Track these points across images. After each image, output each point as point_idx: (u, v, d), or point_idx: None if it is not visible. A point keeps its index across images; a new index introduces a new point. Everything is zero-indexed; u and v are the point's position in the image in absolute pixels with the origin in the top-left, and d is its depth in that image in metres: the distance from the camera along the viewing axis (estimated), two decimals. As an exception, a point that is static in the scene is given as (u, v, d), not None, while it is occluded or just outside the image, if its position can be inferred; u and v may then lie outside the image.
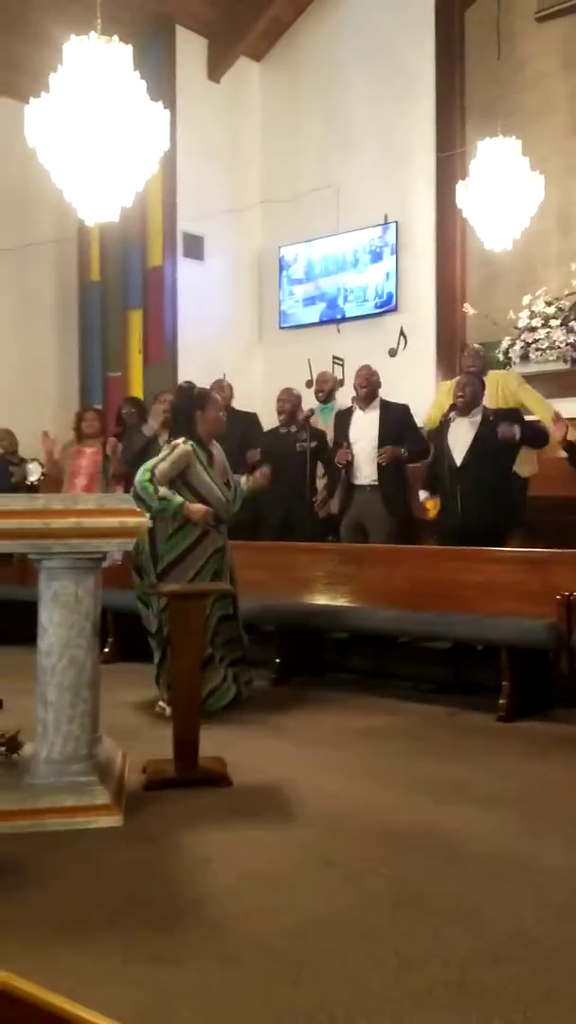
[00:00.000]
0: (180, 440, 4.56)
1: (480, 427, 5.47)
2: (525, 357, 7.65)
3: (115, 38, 5.09)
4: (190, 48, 8.82)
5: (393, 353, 8.34)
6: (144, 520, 3.34)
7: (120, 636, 5.94)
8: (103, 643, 5.99)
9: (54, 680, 3.16)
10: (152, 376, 8.61)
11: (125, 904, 2.41)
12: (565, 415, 5.44)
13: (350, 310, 8.78)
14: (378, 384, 6.33)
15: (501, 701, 4.42)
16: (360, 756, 3.85)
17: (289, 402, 6.77)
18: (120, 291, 8.97)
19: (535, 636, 4.37)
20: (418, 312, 8.39)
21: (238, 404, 7.07)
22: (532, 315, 7.68)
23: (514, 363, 7.62)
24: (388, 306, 8.54)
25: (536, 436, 5.64)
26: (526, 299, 7.74)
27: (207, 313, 8.90)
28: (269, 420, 7.05)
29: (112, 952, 2.15)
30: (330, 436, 6.64)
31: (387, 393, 6.41)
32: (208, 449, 4.67)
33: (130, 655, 5.70)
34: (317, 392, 7.37)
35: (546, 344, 7.56)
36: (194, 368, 8.23)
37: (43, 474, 7.50)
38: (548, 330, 7.57)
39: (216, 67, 9.02)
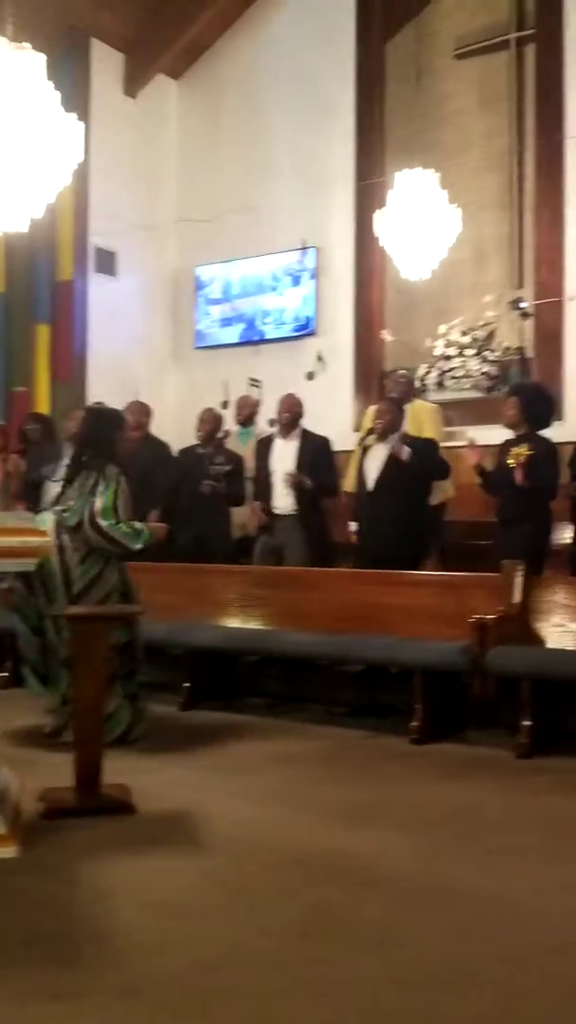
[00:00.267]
0: (114, 469, 4.38)
1: (392, 455, 5.51)
2: (441, 385, 7.76)
3: (27, 45, 4.99)
4: (106, 62, 8.74)
5: (311, 377, 8.36)
6: (49, 540, 3.22)
7: (19, 660, 5.70)
8: (0, 667, 5.80)
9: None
10: (60, 393, 8.43)
11: (21, 939, 2.27)
12: (479, 442, 5.50)
13: (269, 332, 8.78)
14: (301, 414, 6.33)
15: (414, 724, 4.39)
16: (272, 782, 3.76)
17: (210, 422, 6.71)
18: (26, 304, 8.73)
19: (448, 658, 4.36)
20: (337, 337, 8.44)
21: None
22: (448, 344, 7.81)
23: (430, 390, 7.73)
24: (306, 330, 8.57)
25: (438, 468, 5.67)
26: (442, 328, 7.86)
27: (119, 330, 8.77)
28: (182, 439, 6.96)
29: (7, 990, 2.02)
30: (250, 462, 6.57)
31: (305, 417, 6.40)
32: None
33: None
34: (237, 415, 7.31)
35: (461, 372, 7.69)
36: (105, 386, 8.08)
37: None
38: (463, 359, 7.71)
39: (133, 83, 8.95)
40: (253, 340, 8.86)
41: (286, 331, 8.68)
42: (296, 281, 8.61)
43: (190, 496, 6.40)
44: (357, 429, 6.30)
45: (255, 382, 7.61)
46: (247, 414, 7.31)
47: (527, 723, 4.14)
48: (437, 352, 7.84)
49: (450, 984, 2.05)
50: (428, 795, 3.60)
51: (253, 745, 4.37)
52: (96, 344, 8.53)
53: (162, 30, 8.80)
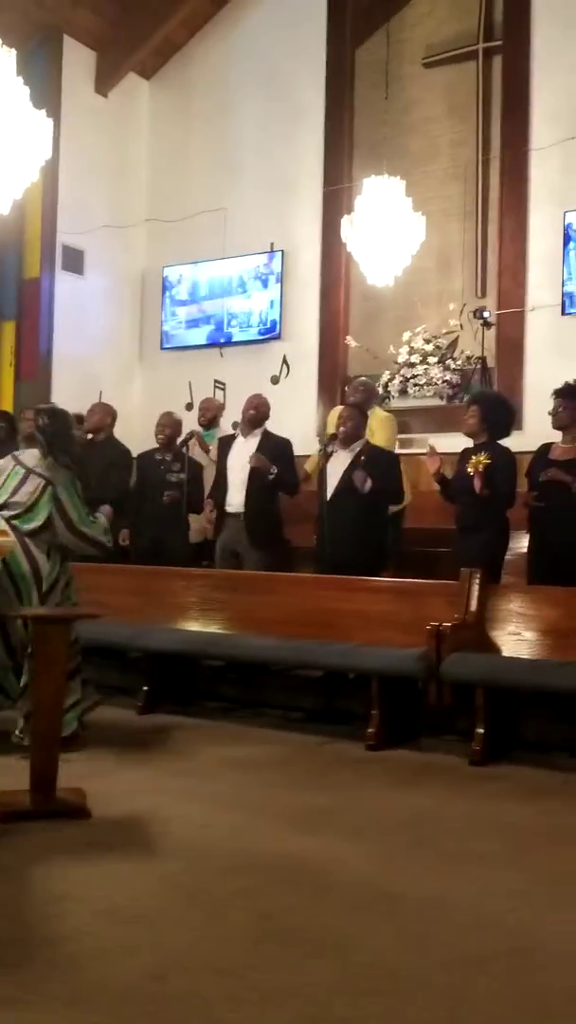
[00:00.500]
0: (69, 473, 4.32)
1: (351, 462, 5.51)
2: (404, 392, 7.81)
3: (-3, 40, 4.97)
4: (77, 60, 8.70)
5: (275, 380, 8.37)
6: (11, 540, 3.19)
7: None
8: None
9: None
10: (25, 391, 8.35)
11: (-30, 945, 2.24)
12: (440, 450, 5.53)
13: (235, 334, 8.77)
14: (266, 415, 6.28)
15: (370, 730, 4.41)
16: (228, 787, 3.76)
17: (169, 427, 6.63)
18: (-9, 300, 8.68)
19: (405, 665, 4.38)
20: (302, 341, 8.46)
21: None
22: (411, 351, 7.86)
23: (393, 397, 7.77)
24: (272, 333, 8.58)
25: (392, 491, 5.65)
26: (406, 335, 7.92)
27: (86, 329, 8.72)
28: (148, 439, 6.94)
29: (-48, 998, 1.99)
30: (215, 459, 6.53)
31: (269, 420, 6.39)
32: None
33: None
34: (200, 417, 7.28)
35: (424, 380, 7.75)
36: (70, 384, 8.04)
37: None
38: (426, 367, 7.77)
39: (104, 81, 8.92)
40: (219, 342, 8.85)
41: (252, 334, 8.68)
42: (263, 284, 8.63)
43: (149, 501, 6.38)
44: (320, 433, 6.30)
45: (220, 384, 7.61)
46: (211, 417, 7.28)
47: (481, 730, 4.18)
48: (401, 359, 7.89)
49: (403, 990, 2.05)
50: (383, 801, 3.61)
51: (210, 750, 4.36)
52: (62, 343, 8.48)
53: (134, 28, 8.78)
